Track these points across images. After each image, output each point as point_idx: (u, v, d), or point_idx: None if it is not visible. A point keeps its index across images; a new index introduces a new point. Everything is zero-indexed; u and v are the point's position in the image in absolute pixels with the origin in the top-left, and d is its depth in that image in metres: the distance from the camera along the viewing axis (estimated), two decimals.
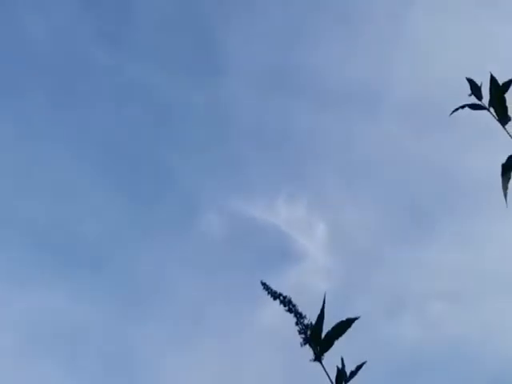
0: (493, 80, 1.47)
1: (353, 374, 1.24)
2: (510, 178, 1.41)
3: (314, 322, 1.24)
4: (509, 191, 1.40)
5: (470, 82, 1.51)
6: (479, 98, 1.49)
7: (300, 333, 1.24)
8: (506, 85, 1.46)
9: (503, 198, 1.38)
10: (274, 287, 1.28)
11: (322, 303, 1.24)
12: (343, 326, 1.24)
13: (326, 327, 1.24)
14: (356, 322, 1.22)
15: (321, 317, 1.24)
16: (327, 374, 1.24)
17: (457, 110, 1.53)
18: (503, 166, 1.42)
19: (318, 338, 1.23)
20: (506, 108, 1.46)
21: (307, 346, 1.24)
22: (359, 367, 1.24)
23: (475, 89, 1.49)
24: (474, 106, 1.50)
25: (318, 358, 1.23)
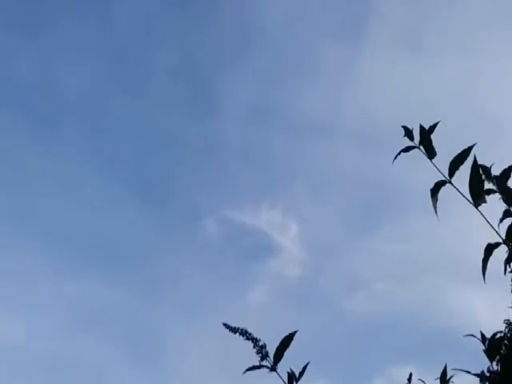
0: (421, 127, 1.82)
1: (301, 374, 1.58)
2: (437, 200, 1.76)
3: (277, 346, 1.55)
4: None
5: (404, 128, 1.87)
6: (411, 139, 1.85)
7: (257, 353, 1.55)
8: (432, 128, 1.82)
9: (431, 206, 1.71)
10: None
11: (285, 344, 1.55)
12: (287, 339, 1.55)
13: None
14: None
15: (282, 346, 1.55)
16: (282, 379, 1.57)
17: (396, 157, 1.88)
18: (431, 190, 1.76)
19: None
20: (432, 146, 1.81)
21: (264, 361, 1.56)
22: (304, 367, 1.57)
23: (408, 132, 1.86)
24: (407, 149, 1.85)
25: (273, 369, 1.56)
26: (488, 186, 1.82)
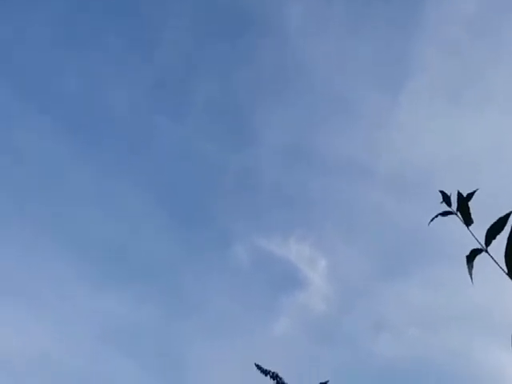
0: (459, 193, 1.85)
1: None
2: (472, 267, 1.76)
3: None
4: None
5: (442, 193, 1.89)
6: (449, 204, 1.87)
7: None
8: (470, 196, 1.84)
9: (467, 272, 1.72)
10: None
11: None
12: None
13: None
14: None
15: None
16: None
17: (432, 220, 1.90)
18: (467, 257, 1.77)
19: None
20: (469, 214, 1.83)
21: None
22: None
23: (446, 198, 1.88)
24: (444, 213, 1.87)
25: None
26: None
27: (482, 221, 1.70)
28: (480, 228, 1.71)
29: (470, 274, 1.74)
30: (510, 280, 1.65)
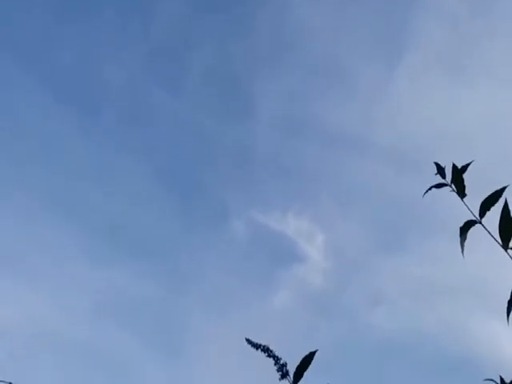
0: (454, 166, 1.85)
1: None
2: (465, 238, 1.77)
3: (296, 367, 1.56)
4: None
5: (437, 165, 1.90)
6: (443, 176, 1.88)
7: (278, 371, 1.55)
8: (464, 167, 1.84)
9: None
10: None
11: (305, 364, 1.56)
12: (307, 359, 1.56)
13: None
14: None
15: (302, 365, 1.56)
16: None
17: (426, 192, 1.91)
18: (461, 228, 1.78)
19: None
20: (463, 186, 1.84)
21: (284, 380, 1.57)
22: None
23: (440, 170, 1.89)
24: (438, 186, 1.88)
25: None
26: None
27: (479, 193, 1.71)
28: (477, 200, 1.73)
29: (462, 246, 1.74)
30: (504, 251, 1.67)
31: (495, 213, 1.68)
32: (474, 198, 1.74)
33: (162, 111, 12.39)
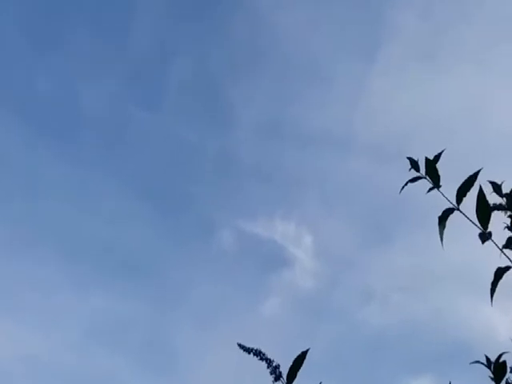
0: (427, 159, 1.87)
1: None
2: (444, 227, 1.79)
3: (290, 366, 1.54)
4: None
5: (410, 159, 1.92)
6: (417, 170, 1.90)
7: (271, 373, 1.53)
8: (436, 158, 1.86)
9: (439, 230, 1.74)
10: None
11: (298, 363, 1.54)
12: (300, 359, 1.54)
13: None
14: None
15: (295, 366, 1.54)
16: None
17: (403, 188, 1.92)
18: (439, 217, 1.80)
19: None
20: (438, 176, 1.86)
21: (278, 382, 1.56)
22: None
23: (414, 164, 1.91)
24: (413, 179, 1.90)
25: None
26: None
27: (459, 178, 1.74)
28: (453, 183, 1.75)
29: (441, 235, 1.75)
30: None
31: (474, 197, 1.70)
32: (456, 185, 1.76)
33: (141, 129, 12.34)
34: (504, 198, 1.79)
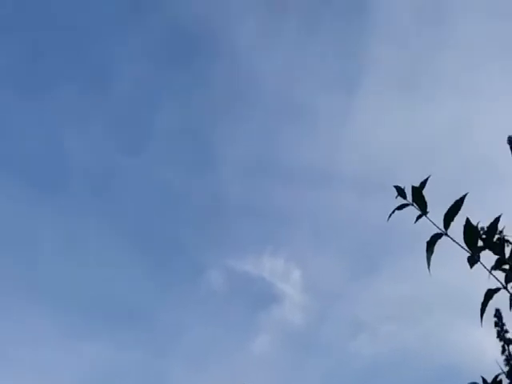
0: (413, 187, 1.90)
1: None
2: (432, 252, 1.82)
3: None
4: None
5: (396, 187, 1.95)
6: (404, 197, 1.93)
7: None
8: (422, 184, 1.90)
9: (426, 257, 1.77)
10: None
11: None
12: None
13: None
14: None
15: None
16: None
17: (390, 215, 1.95)
18: (428, 242, 1.83)
19: None
20: (424, 202, 1.89)
21: None
22: None
23: (400, 192, 1.94)
24: (401, 207, 1.93)
25: None
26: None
27: (444, 205, 1.77)
28: (440, 209, 1.78)
29: (428, 261, 1.77)
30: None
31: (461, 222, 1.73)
32: (442, 210, 1.78)
33: (128, 175, 12.38)
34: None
